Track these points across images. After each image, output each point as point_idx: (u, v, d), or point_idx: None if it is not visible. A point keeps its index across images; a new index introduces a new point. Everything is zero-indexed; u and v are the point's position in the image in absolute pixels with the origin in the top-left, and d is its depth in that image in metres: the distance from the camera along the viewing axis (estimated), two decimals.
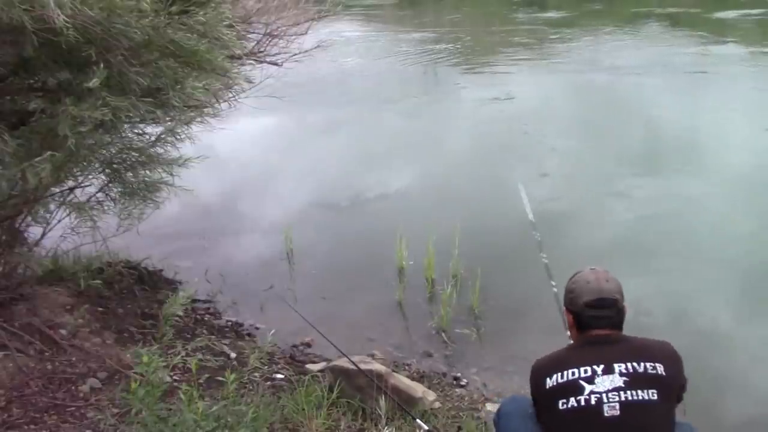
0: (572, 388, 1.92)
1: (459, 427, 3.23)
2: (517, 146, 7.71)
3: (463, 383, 3.84)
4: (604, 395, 1.88)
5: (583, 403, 1.89)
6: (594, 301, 2.01)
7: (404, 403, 3.11)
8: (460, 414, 3.37)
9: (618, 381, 1.89)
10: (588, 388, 1.90)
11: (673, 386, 1.93)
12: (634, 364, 1.91)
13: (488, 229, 5.66)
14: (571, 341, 2.16)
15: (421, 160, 7.61)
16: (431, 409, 3.29)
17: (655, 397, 1.87)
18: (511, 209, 6.06)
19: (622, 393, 1.87)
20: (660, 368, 1.91)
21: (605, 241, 5.38)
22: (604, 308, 2.01)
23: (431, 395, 3.39)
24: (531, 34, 14.64)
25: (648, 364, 1.91)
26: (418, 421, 2.91)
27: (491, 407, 3.34)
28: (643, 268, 4.80)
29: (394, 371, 3.50)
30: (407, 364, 4.04)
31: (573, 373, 1.94)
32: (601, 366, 1.92)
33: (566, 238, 5.48)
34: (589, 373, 1.92)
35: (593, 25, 15.26)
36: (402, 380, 3.36)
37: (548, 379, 1.98)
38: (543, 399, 2.00)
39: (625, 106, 9.12)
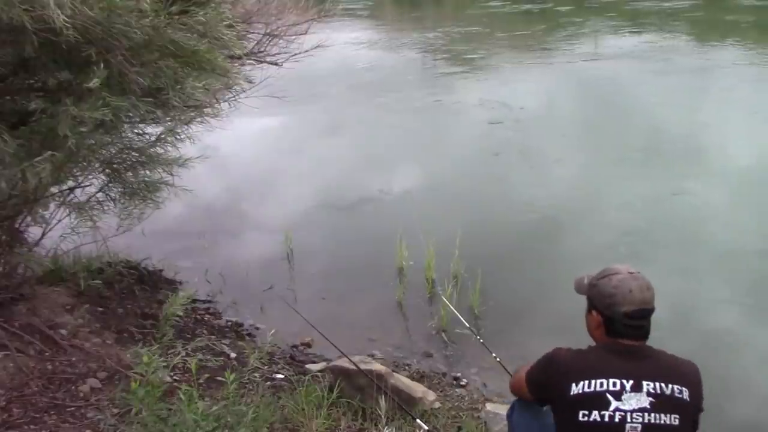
0: (598, 400, 1.89)
1: (459, 427, 3.22)
2: (513, 145, 7.71)
3: (463, 383, 3.84)
4: (628, 415, 1.86)
5: (606, 419, 1.87)
6: (635, 311, 1.96)
7: (404, 403, 3.11)
8: (460, 414, 3.37)
9: (644, 401, 1.87)
10: (614, 404, 1.88)
11: (693, 413, 1.93)
12: (662, 385, 1.89)
13: (488, 230, 5.66)
14: (593, 343, 2.10)
15: (421, 159, 7.61)
16: (431, 409, 3.29)
17: (677, 422, 1.87)
18: (511, 209, 6.09)
19: (646, 415, 1.86)
20: (686, 393, 1.90)
21: (602, 237, 5.39)
22: (642, 319, 1.97)
23: (431, 395, 3.39)
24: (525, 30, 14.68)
25: (675, 388, 1.90)
26: (418, 421, 2.91)
27: (491, 407, 3.34)
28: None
29: (394, 371, 3.50)
30: (407, 364, 4.04)
31: (601, 384, 1.90)
32: (631, 382, 1.89)
33: (567, 236, 5.49)
34: (618, 387, 1.89)
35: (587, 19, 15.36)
36: (402, 380, 3.36)
37: (573, 385, 1.93)
38: (564, 404, 1.96)
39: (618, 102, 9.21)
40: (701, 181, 6.39)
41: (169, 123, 3.71)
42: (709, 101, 9.07)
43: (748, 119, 8.24)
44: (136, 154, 3.69)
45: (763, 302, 4.45)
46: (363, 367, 3.22)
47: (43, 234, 3.83)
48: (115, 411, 2.91)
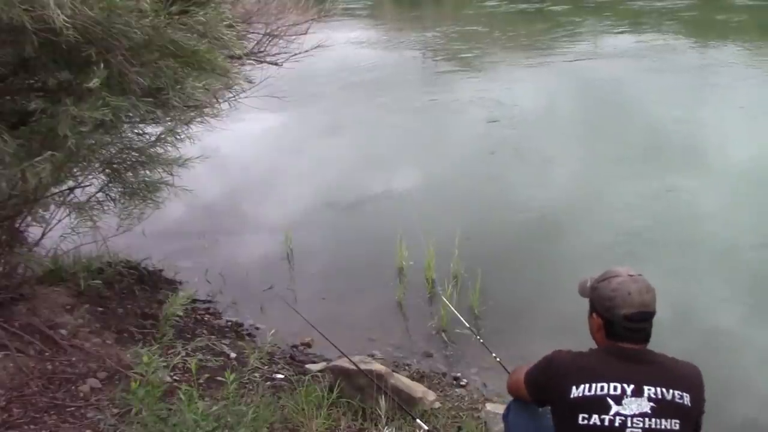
0: (598, 404, 1.89)
1: (459, 427, 3.23)
2: (511, 144, 7.71)
3: (463, 383, 3.84)
4: (629, 419, 1.86)
5: (606, 423, 1.87)
6: (634, 314, 1.94)
7: (404, 403, 3.11)
8: (460, 414, 3.37)
9: (645, 406, 1.87)
10: (614, 408, 1.88)
11: (695, 417, 1.93)
12: (663, 390, 1.89)
13: (488, 230, 5.66)
14: (595, 346, 2.09)
15: (421, 159, 7.60)
16: (431, 409, 3.29)
17: (677, 427, 1.87)
18: (511, 209, 6.09)
19: (646, 420, 1.86)
20: (687, 398, 1.89)
21: (601, 237, 5.40)
22: (642, 322, 1.96)
23: (431, 395, 3.39)
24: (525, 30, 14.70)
25: (677, 393, 1.89)
26: (418, 421, 2.91)
27: (491, 407, 3.34)
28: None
29: (394, 371, 3.50)
30: (407, 364, 4.04)
31: (602, 388, 1.90)
32: (632, 386, 1.89)
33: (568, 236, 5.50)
34: (619, 391, 1.89)
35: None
36: (402, 380, 3.36)
37: (574, 387, 1.92)
38: (563, 407, 1.96)
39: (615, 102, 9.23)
40: (700, 180, 6.40)
41: (169, 123, 3.71)
42: (706, 100, 9.08)
43: (745, 118, 8.24)
44: (136, 154, 3.69)
45: (763, 302, 4.45)
46: (363, 367, 3.22)
47: (43, 234, 3.83)
48: (115, 411, 2.92)
